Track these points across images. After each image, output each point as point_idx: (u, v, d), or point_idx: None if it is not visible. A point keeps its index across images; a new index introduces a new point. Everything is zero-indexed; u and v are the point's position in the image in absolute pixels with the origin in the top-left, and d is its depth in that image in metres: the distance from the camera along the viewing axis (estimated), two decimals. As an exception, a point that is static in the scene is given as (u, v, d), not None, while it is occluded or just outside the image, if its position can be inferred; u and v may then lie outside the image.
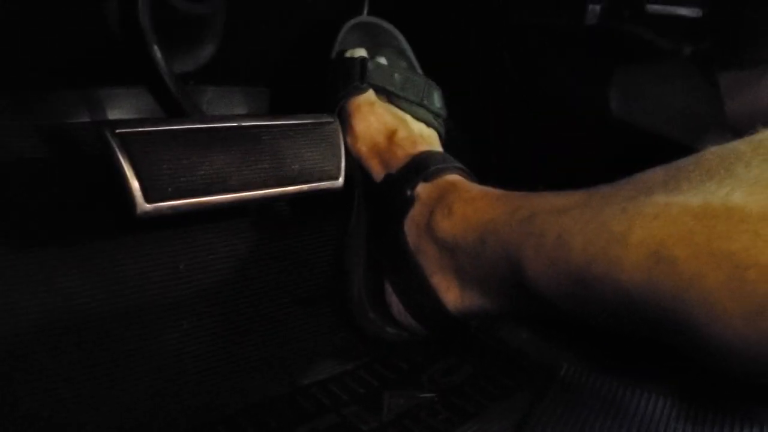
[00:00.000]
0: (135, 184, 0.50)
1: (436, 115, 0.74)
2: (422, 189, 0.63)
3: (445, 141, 0.75)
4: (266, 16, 0.73)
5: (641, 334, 0.48)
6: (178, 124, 0.54)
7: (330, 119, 0.64)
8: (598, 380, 0.55)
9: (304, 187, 0.61)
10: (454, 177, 0.64)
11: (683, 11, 0.87)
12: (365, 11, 0.79)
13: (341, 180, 0.64)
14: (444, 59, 0.79)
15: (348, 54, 0.73)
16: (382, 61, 0.74)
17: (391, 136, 0.68)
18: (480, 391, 0.57)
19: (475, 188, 0.61)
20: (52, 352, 0.54)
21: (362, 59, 0.72)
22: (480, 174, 0.68)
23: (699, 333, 0.40)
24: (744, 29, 0.92)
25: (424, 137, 0.71)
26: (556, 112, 0.83)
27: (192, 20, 0.65)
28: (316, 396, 0.57)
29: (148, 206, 0.51)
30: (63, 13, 0.59)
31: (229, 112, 0.73)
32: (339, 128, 0.64)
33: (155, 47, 0.55)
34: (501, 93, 0.83)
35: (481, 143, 0.82)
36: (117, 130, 0.50)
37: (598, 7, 0.83)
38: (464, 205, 0.58)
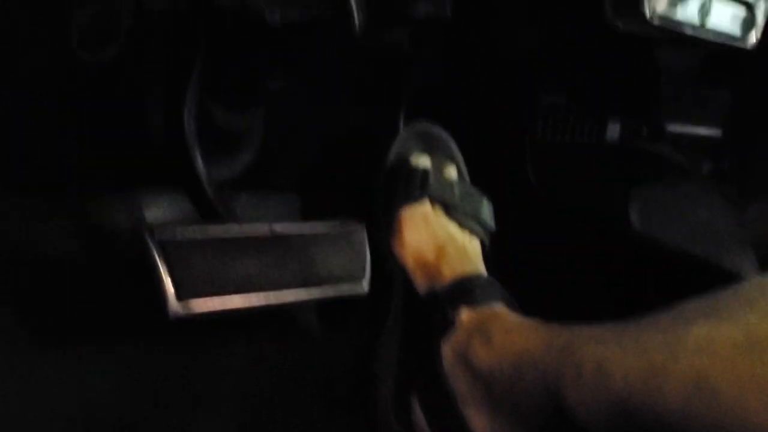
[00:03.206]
0: (169, 287, 0.52)
1: (485, 228, 0.74)
2: (465, 314, 0.62)
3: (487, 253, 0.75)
4: (301, 128, 0.76)
5: None
6: (213, 229, 0.56)
7: (357, 226, 0.66)
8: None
9: (331, 291, 0.62)
10: (497, 305, 0.64)
11: (702, 131, 0.89)
12: (401, 125, 0.81)
13: (366, 285, 0.65)
14: (468, 171, 0.81)
15: (412, 161, 0.73)
16: (447, 174, 0.74)
17: (439, 251, 0.68)
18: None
19: (516, 318, 0.62)
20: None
21: (425, 170, 0.71)
22: (501, 283, 0.69)
23: None
24: (759, 150, 0.94)
25: (470, 254, 0.71)
26: (579, 224, 0.84)
27: (231, 131, 0.69)
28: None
29: (181, 308, 0.53)
30: (108, 118, 0.63)
31: (262, 217, 0.75)
32: (366, 235, 0.66)
33: (197, 155, 0.58)
34: (524, 204, 0.85)
35: (503, 254, 0.84)
36: (156, 234, 0.53)
37: (618, 126, 0.86)
38: (503, 336, 0.59)
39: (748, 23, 0.69)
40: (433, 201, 0.71)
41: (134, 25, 0.53)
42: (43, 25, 0.55)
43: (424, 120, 0.77)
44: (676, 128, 0.86)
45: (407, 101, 0.80)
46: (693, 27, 0.66)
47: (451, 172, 0.75)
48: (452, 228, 0.71)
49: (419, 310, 0.66)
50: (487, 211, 0.74)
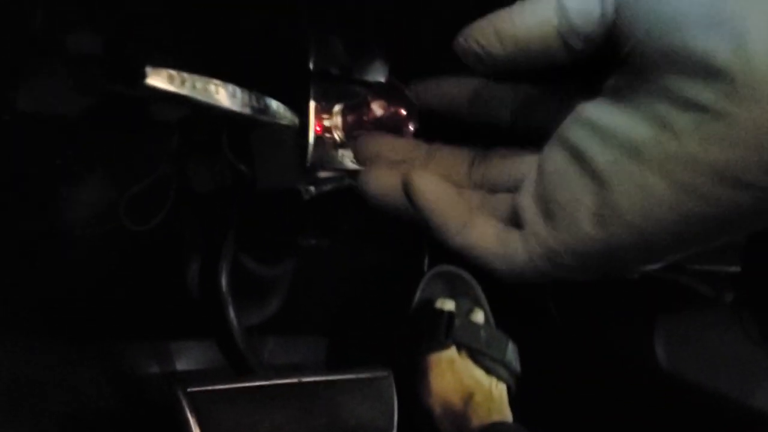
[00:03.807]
0: (200, 442, 0.53)
1: (511, 372, 0.74)
2: None
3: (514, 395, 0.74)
4: (328, 274, 0.79)
5: None
6: (243, 382, 0.57)
7: (384, 373, 0.66)
8: None
9: (358, 442, 0.62)
10: None
11: (722, 267, 0.90)
12: (425, 266, 0.82)
13: (393, 435, 0.65)
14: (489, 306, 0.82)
15: (438, 305, 0.74)
16: (473, 317, 0.75)
17: (467, 399, 0.68)
18: None
19: None
20: None
21: (450, 314, 0.73)
22: (526, 423, 0.68)
23: None
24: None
25: (497, 401, 0.71)
26: (604, 362, 0.84)
27: (263, 282, 0.71)
28: None
29: (211, 464, 0.53)
30: (146, 275, 0.65)
31: (290, 361, 0.76)
32: (393, 383, 0.66)
33: (230, 311, 0.60)
34: (548, 343, 0.85)
35: (528, 393, 0.83)
36: (188, 389, 0.54)
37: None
38: None
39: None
40: (459, 346, 0.72)
41: (177, 201, 0.57)
42: (95, 198, 0.58)
43: (447, 262, 0.78)
44: (696, 268, 0.87)
45: (431, 245, 0.81)
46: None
47: (477, 315, 0.75)
48: (479, 374, 0.72)
49: (447, 461, 0.66)
50: (512, 354, 0.74)
